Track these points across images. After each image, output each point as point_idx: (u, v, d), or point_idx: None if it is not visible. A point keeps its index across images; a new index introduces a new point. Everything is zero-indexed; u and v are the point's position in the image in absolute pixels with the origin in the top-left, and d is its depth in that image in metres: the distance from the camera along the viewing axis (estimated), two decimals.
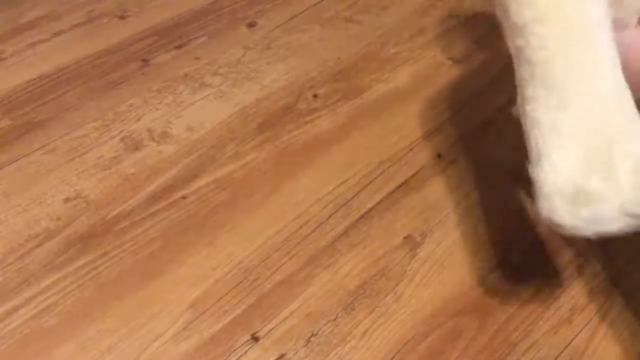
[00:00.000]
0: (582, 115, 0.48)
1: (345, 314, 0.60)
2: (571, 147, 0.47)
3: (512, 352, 0.58)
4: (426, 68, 0.88)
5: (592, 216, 0.46)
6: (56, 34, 0.99)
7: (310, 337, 0.59)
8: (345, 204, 0.70)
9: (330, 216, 0.69)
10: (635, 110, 0.49)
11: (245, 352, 0.58)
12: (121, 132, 0.81)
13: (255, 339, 0.59)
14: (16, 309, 0.62)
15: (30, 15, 1.03)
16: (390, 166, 0.74)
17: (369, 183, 0.72)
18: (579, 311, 0.61)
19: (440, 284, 0.63)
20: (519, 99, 0.51)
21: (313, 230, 0.68)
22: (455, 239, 0.67)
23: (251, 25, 0.98)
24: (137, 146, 0.79)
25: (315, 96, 0.85)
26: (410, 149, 0.76)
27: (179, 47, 0.95)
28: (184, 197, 0.72)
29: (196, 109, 0.84)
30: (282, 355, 0.57)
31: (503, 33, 0.53)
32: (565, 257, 0.66)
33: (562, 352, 0.59)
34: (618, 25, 0.52)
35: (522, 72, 0.50)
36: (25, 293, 0.64)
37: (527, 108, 0.50)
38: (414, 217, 0.69)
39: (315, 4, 1.01)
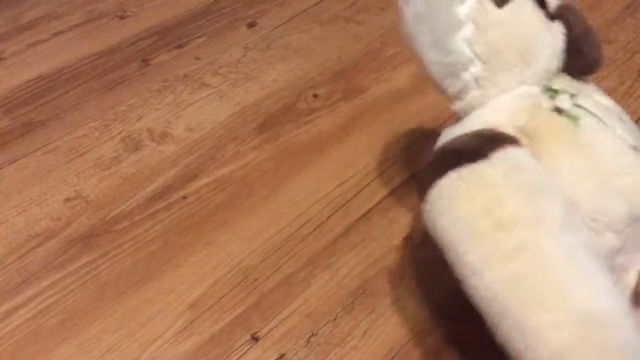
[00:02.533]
0: None
1: (345, 314, 0.60)
2: None
3: None
4: None
5: None
6: (56, 34, 0.99)
7: (310, 337, 0.59)
8: (345, 204, 0.70)
9: (330, 216, 0.69)
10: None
11: (245, 352, 0.58)
12: (121, 132, 0.81)
13: (255, 339, 0.59)
14: (16, 309, 0.62)
15: (30, 15, 1.03)
16: (390, 166, 0.74)
17: (369, 183, 0.72)
18: None
19: (441, 284, 0.62)
20: None
21: (313, 230, 0.68)
22: None
23: (251, 25, 0.98)
24: (137, 146, 0.79)
25: (315, 96, 0.85)
26: (411, 149, 0.76)
27: (179, 47, 0.95)
28: (184, 197, 0.72)
29: (196, 109, 0.84)
30: (282, 355, 0.57)
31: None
32: None
33: None
34: None
35: None
36: (25, 293, 0.64)
37: None
38: (414, 217, 0.69)
39: (315, 4, 1.01)
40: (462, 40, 0.46)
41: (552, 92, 0.47)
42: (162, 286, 0.64)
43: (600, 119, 0.46)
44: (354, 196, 0.71)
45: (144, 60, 0.93)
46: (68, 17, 1.02)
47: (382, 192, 0.72)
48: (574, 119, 0.45)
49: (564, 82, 0.48)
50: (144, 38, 0.97)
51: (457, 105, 0.49)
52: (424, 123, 0.79)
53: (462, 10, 0.45)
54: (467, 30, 0.45)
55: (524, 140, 0.44)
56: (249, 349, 0.58)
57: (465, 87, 0.47)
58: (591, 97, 0.48)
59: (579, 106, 0.46)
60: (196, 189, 0.73)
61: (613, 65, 0.85)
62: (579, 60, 0.47)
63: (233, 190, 0.73)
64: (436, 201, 0.45)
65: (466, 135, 0.46)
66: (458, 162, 0.44)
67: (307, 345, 0.58)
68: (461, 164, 0.43)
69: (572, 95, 0.47)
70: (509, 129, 0.45)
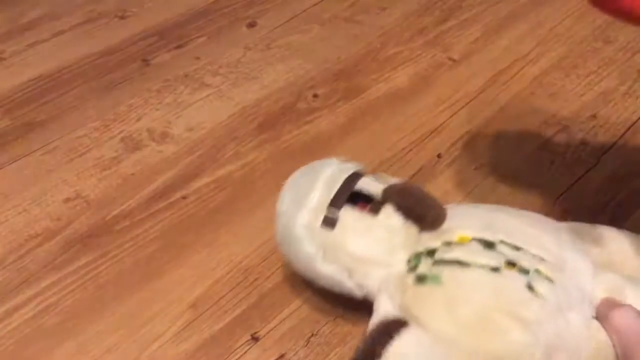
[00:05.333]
0: None
1: (346, 314, 0.60)
2: None
3: None
4: (426, 68, 0.88)
5: None
6: (56, 34, 0.99)
7: (310, 337, 0.59)
8: None
9: None
10: None
11: (245, 352, 0.58)
12: (121, 132, 0.81)
13: (255, 339, 0.59)
14: (16, 309, 0.62)
15: (30, 15, 1.03)
16: (390, 166, 0.74)
17: None
18: None
19: None
20: None
21: None
22: None
23: (251, 25, 0.98)
24: (137, 146, 0.79)
25: (315, 96, 0.85)
26: (410, 149, 0.76)
27: (179, 47, 0.95)
28: (184, 197, 0.72)
29: (196, 109, 0.84)
30: (282, 355, 0.57)
31: None
32: None
33: None
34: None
35: None
36: (25, 293, 0.64)
37: None
38: None
39: (315, 4, 1.01)
40: (324, 267, 0.52)
41: (415, 260, 0.50)
42: (162, 286, 0.64)
43: (460, 262, 0.48)
44: None
45: (144, 60, 0.93)
46: (68, 17, 1.02)
47: None
48: (436, 279, 0.48)
49: (429, 237, 0.51)
50: (144, 38, 0.97)
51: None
52: (424, 123, 0.79)
53: (308, 246, 0.52)
54: (321, 257, 0.52)
55: (405, 315, 0.48)
56: (249, 349, 0.58)
57: (353, 290, 0.53)
58: (454, 236, 0.50)
59: (439, 262, 0.48)
60: (196, 189, 0.73)
61: (613, 65, 0.85)
62: (425, 224, 0.51)
63: (233, 190, 0.73)
64: None
65: (365, 337, 0.49)
66: None
67: (307, 345, 0.58)
68: None
69: (432, 253, 0.49)
70: (395, 312, 0.49)
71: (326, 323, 0.60)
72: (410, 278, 0.49)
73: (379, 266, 0.51)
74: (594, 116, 0.78)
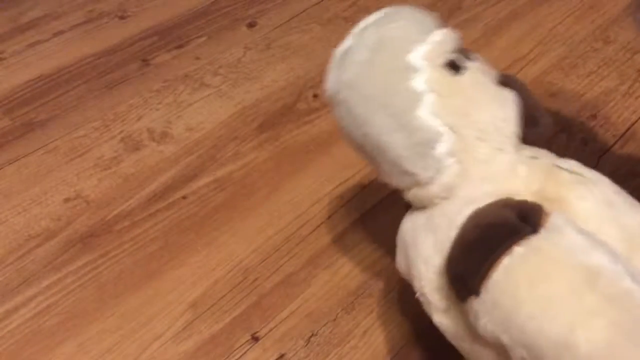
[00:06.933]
0: None
1: (345, 314, 0.60)
2: None
3: None
4: None
5: None
6: (56, 34, 0.99)
7: (310, 337, 0.59)
8: (345, 204, 0.70)
9: (330, 216, 0.69)
10: None
11: (245, 352, 0.58)
12: (121, 132, 0.81)
13: (255, 339, 0.59)
14: (16, 309, 0.62)
15: (30, 15, 1.03)
16: None
17: (369, 183, 0.72)
18: None
19: None
20: None
21: (313, 230, 0.68)
22: None
23: (251, 25, 0.98)
24: (137, 146, 0.79)
25: (315, 96, 0.85)
26: None
27: (179, 47, 0.95)
28: (184, 197, 0.72)
29: (196, 109, 0.84)
30: (282, 355, 0.57)
31: None
32: None
33: None
34: None
35: None
36: (25, 293, 0.64)
37: None
38: None
39: (315, 4, 1.01)
40: (426, 114, 0.42)
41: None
42: (162, 286, 0.64)
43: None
44: (354, 196, 0.71)
45: (144, 60, 0.93)
46: (68, 17, 1.02)
47: (382, 192, 0.72)
48: (580, 174, 0.42)
49: (532, 151, 0.44)
50: (144, 38, 0.97)
51: (431, 191, 0.45)
52: None
53: (420, 82, 0.42)
54: (429, 101, 0.42)
55: (545, 204, 0.40)
56: (249, 349, 0.58)
57: (440, 166, 0.43)
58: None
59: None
60: (196, 189, 0.73)
61: (613, 66, 0.85)
62: (536, 130, 0.44)
63: (233, 190, 0.73)
64: (508, 286, 0.38)
65: (493, 207, 0.40)
66: (507, 238, 0.38)
67: (307, 345, 0.58)
68: (512, 240, 0.38)
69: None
70: (527, 196, 0.41)
71: (326, 323, 0.60)
72: (550, 166, 0.42)
73: (489, 144, 0.41)
74: (594, 116, 0.78)
